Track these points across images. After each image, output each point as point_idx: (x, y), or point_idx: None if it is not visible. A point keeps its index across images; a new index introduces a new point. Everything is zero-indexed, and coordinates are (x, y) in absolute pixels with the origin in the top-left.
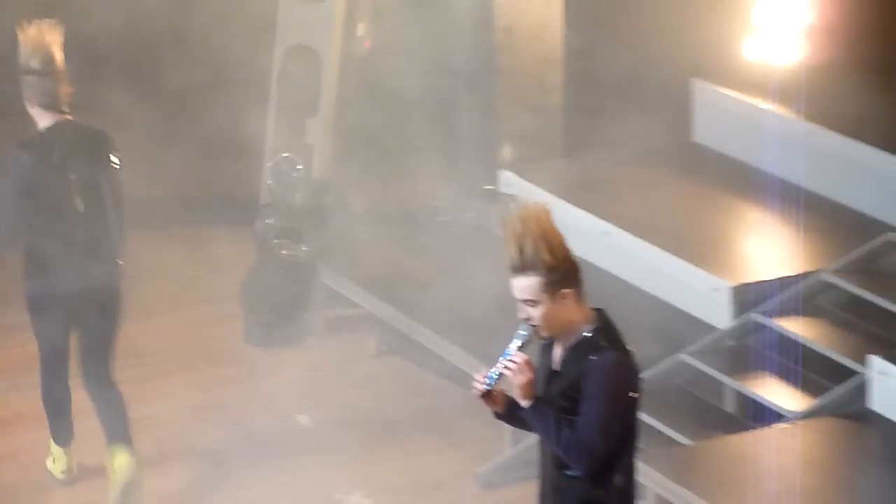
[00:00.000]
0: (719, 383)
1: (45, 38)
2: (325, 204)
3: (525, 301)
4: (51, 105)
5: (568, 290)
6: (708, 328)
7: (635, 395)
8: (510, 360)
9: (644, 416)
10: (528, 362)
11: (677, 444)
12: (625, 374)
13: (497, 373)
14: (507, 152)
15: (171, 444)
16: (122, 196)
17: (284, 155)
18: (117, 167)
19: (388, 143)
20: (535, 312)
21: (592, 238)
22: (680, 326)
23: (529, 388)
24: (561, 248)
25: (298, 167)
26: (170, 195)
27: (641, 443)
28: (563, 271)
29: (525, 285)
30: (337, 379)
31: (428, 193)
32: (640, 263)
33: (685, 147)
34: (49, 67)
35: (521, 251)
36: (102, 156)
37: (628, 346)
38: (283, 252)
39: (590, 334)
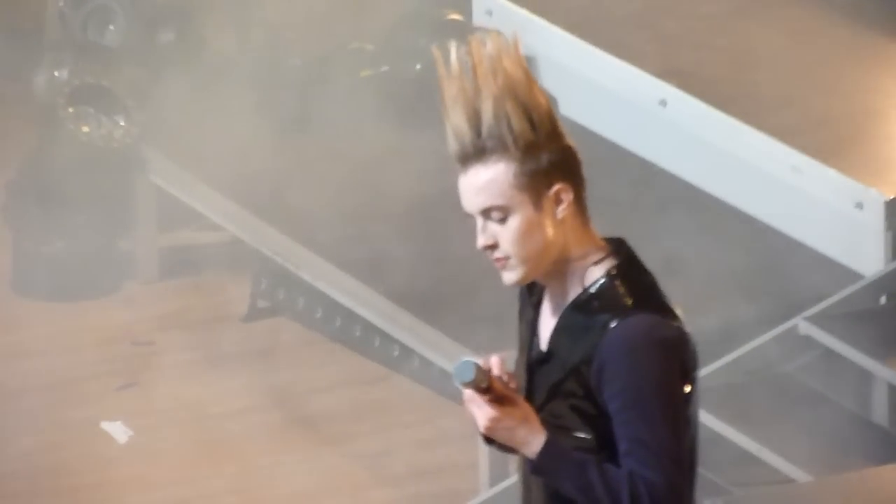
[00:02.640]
0: (864, 373)
1: None
2: (159, 43)
3: (486, 211)
4: None
5: (563, 185)
6: (845, 275)
7: (688, 387)
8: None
9: (727, 431)
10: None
11: (790, 480)
12: (670, 349)
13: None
14: None
15: None
16: None
17: None
18: None
19: None
20: (506, 232)
21: (639, 110)
22: (794, 271)
23: (505, 431)
24: (545, 113)
25: None
26: None
27: (723, 476)
28: (551, 152)
29: (485, 181)
30: (177, 357)
31: (347, 28)
32: (723, 157)
33: None
34: None
35: (474, 120)
36: None
37: (670, 304)
38: (84, 130)
39: (604, 281)
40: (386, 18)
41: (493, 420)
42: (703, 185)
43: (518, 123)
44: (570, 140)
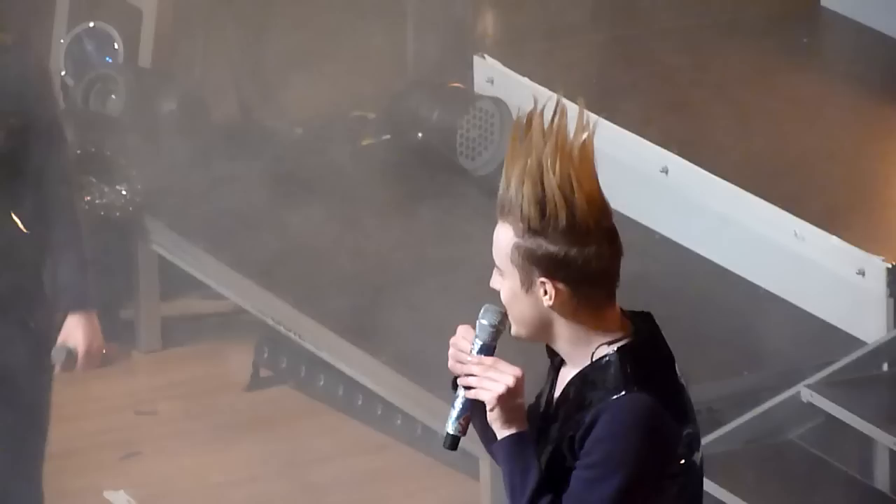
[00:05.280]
0: (866, 440)
1: None
2: (162, 113)
3: (497, 262)
4: None
5: (551, 282)
6: (847, 342)
7: (674, 473)
8: (473, 366)
9: (730, 498)
10: (497, 365)
11: None
12: (654, 438)
13: (461, 402)
14: (489, 25)
15: None
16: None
17: (89, 25)
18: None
19: (272, 10)
20: (503, 289)
21: (640, 179)
22: (796, 338)
23: (511, 407)
24: (565, 209)
25: (115, 47)
26: None
27: None
28: (554, 246)
29: (496, 237)
30: (180, 426)
31: (347, 97)
32: (724, 225)
33: (807, 17)
34: None
35: (507, 178)
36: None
37: (682, 381)
38: (86, 199)
39: (608, 360)
40: (387, 87)
41: (519, 381)
42: (704, 252)
43: (527, 207)
44: (597, 248)
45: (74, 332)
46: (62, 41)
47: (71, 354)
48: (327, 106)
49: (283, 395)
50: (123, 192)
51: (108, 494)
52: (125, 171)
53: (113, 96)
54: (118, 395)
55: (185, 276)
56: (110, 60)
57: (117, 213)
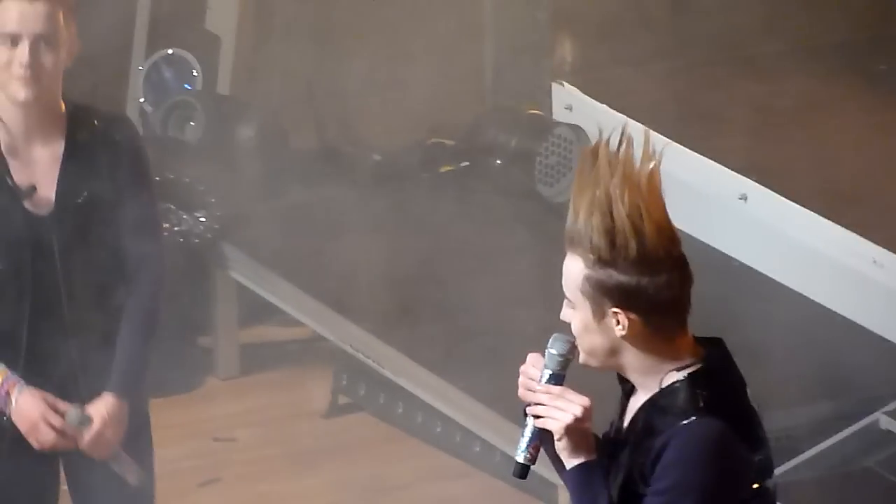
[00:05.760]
0: None
1: None
2: (240, 140)
3: (567, 294)
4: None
5: (622, 311)
6: None
7: (744, 499)
8: (541, 395)
9: None
10: (565, 394)
11: None
12: (725, 463)
13: (530, 430)
14: (567, 52)
15: None
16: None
17: (168, 52)
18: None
19: (350, 37)
20: (574, 320)
21: (719, 206)
22: (874, 364)
23: (578, 436)
24: (634, 240)
25: (193, 74)
26: None
27: None
28: (625, 276)
29: (566, 270)
30: (259, 453)
31: (423, 124)
32: (802, 252)
33: (885, 42)
34: None
35: (575, 209)
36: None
37: (754, 407)
38: (164, 226)
39: (679, 385)
40: (466, 114)
41: (587, 410)
42: (782, 279)
43: (597, 238)
44: (668, 277)
45: (99, 407)
46: (140, 68)
47: (83, 424)
48: (406, 132)
49: (362, 422)
50: (202, 219)
51: None
52: (203, 198)
53: (191, 123)
54: (197, 422)
55: (264, 303)
56: (189, 87)
57: (196, 240)
